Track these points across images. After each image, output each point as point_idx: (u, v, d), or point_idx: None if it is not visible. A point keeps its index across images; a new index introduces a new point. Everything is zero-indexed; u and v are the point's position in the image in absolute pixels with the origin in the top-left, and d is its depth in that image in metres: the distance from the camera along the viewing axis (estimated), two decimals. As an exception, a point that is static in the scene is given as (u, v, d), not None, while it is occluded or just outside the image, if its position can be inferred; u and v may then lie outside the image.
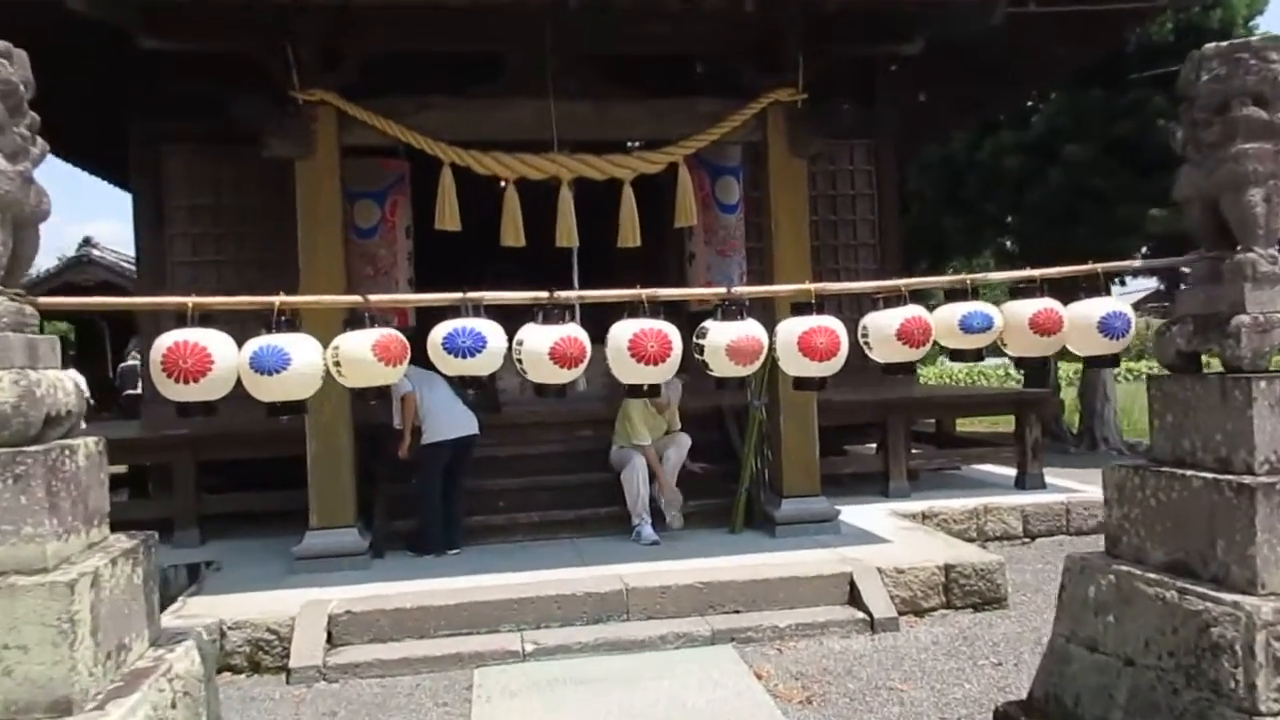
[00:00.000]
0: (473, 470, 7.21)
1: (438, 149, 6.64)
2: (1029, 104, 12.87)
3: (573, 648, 5.36)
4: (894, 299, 3.62)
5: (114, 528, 7.70)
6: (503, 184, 6.78)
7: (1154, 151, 11.50)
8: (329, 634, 5.42)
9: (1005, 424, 14.72)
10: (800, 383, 3.69)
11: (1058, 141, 12.03)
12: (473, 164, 6.67)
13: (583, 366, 3.43)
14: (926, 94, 9.18)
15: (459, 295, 3.39)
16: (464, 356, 3.32)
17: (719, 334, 3.48)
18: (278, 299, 3.30)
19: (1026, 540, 7.86)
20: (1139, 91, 11.52)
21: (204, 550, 7.29)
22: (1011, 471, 9.31)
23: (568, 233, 6.84)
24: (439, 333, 3.36)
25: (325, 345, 3.34)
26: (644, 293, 3.44)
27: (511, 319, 3.47)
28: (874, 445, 10.44)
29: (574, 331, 3.37)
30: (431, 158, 6.65)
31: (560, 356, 3.34)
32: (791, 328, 3.55)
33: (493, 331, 3.36)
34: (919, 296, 3.72)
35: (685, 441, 7.26)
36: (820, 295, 3.58)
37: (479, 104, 6.80)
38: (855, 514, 7.40)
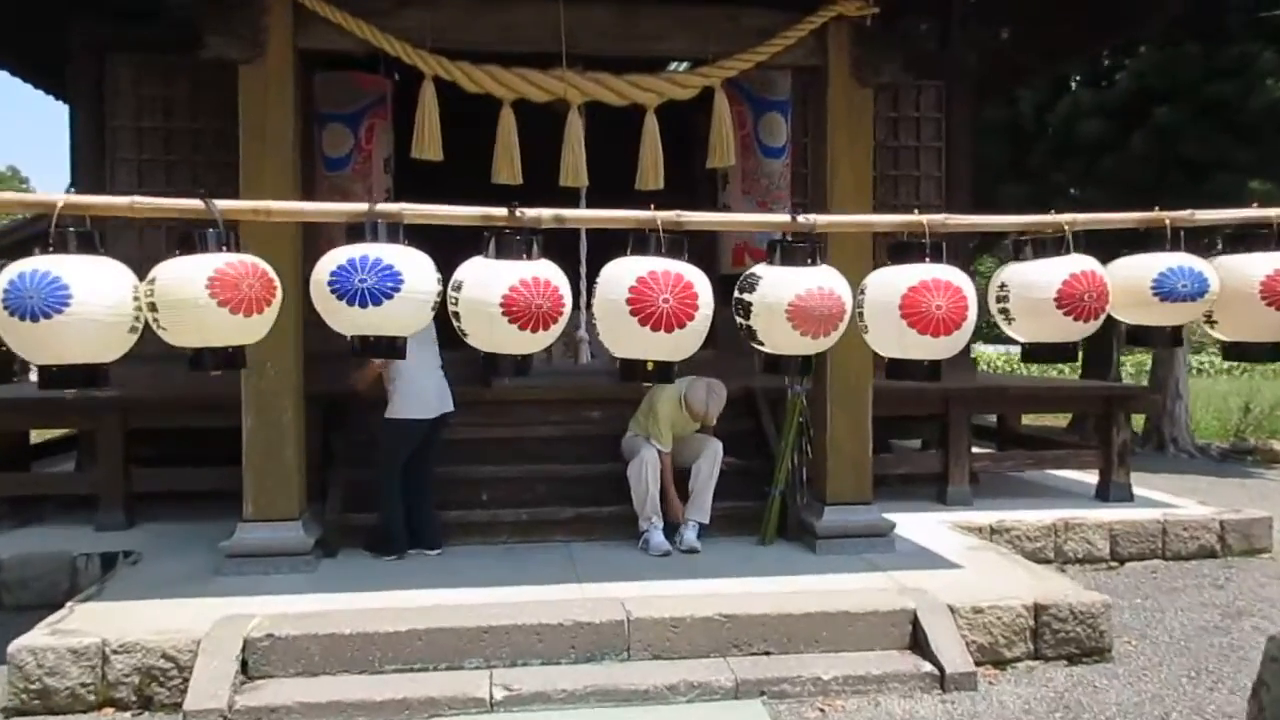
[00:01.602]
0: (447, 455, 5.98)
1: (417, 58, 5.35)
2: (1107, 63, 11.39)
3: (554, 696, 4.13)
4: (1048, 244, 2.31)
5: (26, 502, 6.54)
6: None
7: (1258, 115, 10.09)
8: (244, 663, 4.21)
9: (1060, 421, 13.43)
10: (900, 369, 2.40)
11: (1145, 103, 10.59)
12: (460, 78, 5.38)
13: (555, 329, 2.15)
14: (1010, 33, 7.78)
15: (361, 206, 2.12)
16: (364, 304, 2.05)
17: (777, 286, 2.21)
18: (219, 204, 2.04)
19: (1114, 565, 6.55)
20: (1244, 46, 10.05)
21: (128, 536, 6.10)
22: (1084, 477, 8.01)
23: (574, 170, 5.54)
24: (326, 266, 2.09)
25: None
26: (660, 215, 2.16)
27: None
28: (919, 441, 9.14)
29: (542, 272, 2.10)
30: (420, 74, 5.37)
31: (518, 310, 2.07)
32: (890, 282, 2.27)
33: (412, 265, 2.08)
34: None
35: (717, 449, 5.96)
36: (937, 233, 2.28)
37: (471, 3, 5.49)
38: (909, 526, 6.12)
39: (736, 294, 2.27)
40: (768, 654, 4.50)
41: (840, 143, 5.65)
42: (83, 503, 6.51)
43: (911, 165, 7.99)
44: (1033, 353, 2.40)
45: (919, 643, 4.57)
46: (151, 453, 6.70)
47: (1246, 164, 10.24)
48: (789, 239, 2.24)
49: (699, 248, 7.53)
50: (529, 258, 2.09)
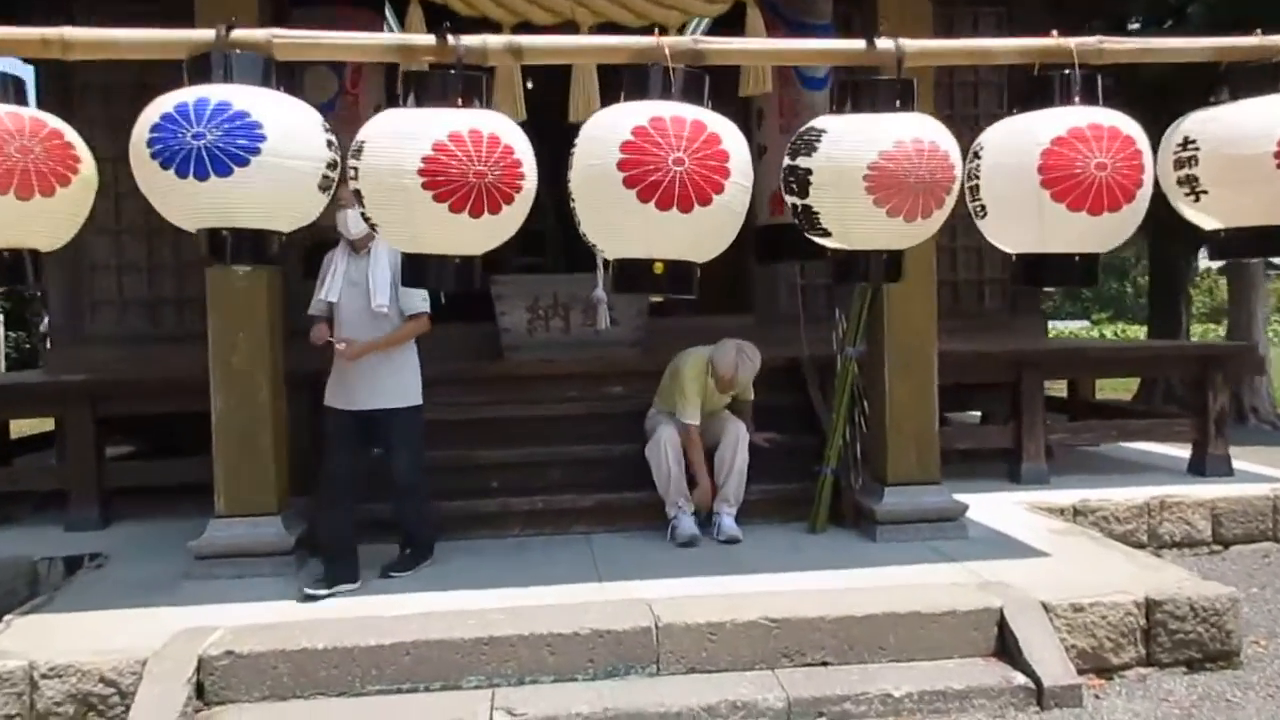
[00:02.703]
0: (451, 437, 5.27)
1: (403, -22, 4.63)
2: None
3: (568, 722, 3.41)
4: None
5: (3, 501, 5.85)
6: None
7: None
8: (198, 687, 3.54)
9: (1126, 392, 12.49)
10: (1036, 269, 1.62)
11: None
12: (453, 1, 4.66)
13: (512, 213, 1.40)
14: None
15: (206, 33, 1.38)
16: (201, 172, 1.31)
17: (851, 142, 1.47)
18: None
19: (1218, 549, 5.70)
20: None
21: (101, 537, 5.46)
22: (1170, 450, 7.14)
23: (586, 104, 4.78)
24: (147, 119, 1.35)
25: None
26: (668, 42, 1.41)
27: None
28: (978, 414, 8.30)
29: (486, 124, 1.35)
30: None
31: (447, 180, 1.32)
32: (1023, 133, 1.49)
33: (278, 115, 1.34)
34: None
35: (739, 433, 5.15)
36: (1090, 64, 1.50)
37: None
38: (979, 508, 5.31)
39: (788, 161, 1.55)
40: (825, 664, 3.75)
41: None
42: (60, 500, 5.89)
43: (969, 106, 7.13)
44: (1229, 243, 1.61)
45: (1007, 649, 3.79)
46: (133, 444, 6.07)
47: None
48: (864, 76, 1.48)
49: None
50: (467, 105, 1.35)
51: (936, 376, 4.91)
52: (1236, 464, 6.70)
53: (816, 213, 1.54)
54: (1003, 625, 3.82)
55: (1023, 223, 1.48)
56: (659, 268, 1.51)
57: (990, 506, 5.48)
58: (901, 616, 3.83)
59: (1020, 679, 3.64)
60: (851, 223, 1.51)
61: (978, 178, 1.57)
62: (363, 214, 1.43)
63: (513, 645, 3.67)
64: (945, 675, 3.67)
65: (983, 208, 1.55)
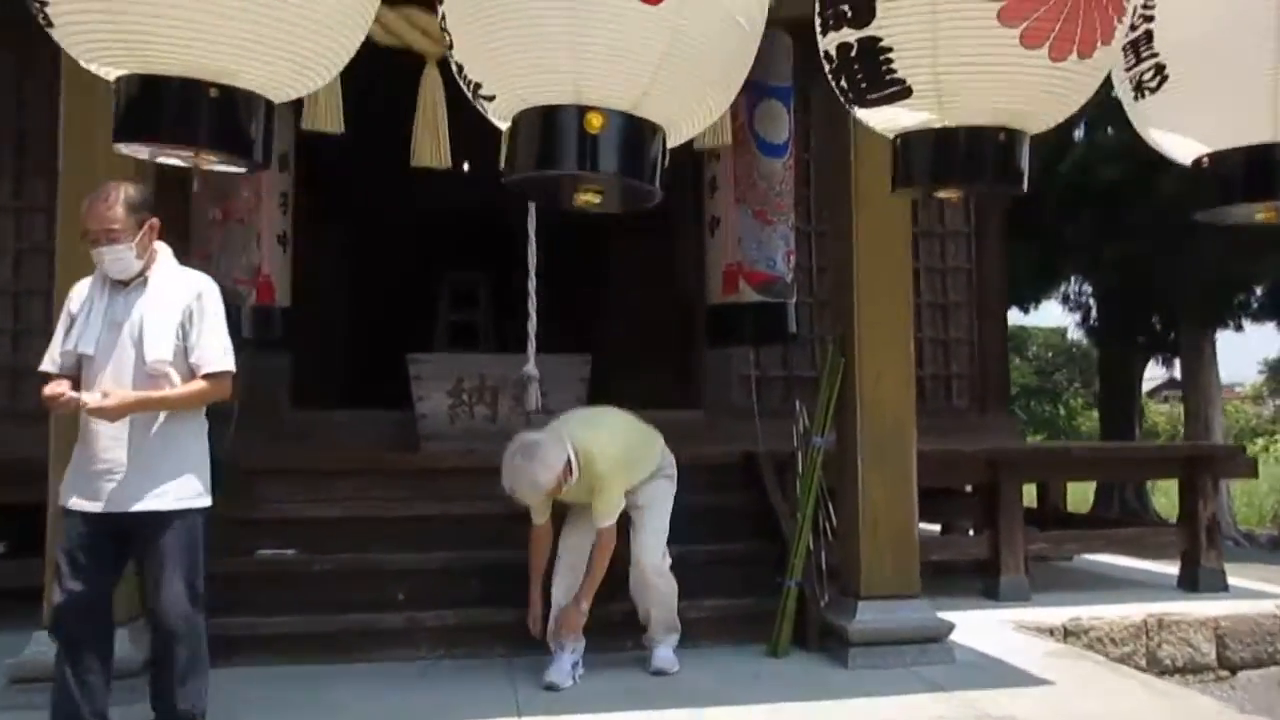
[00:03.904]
0: (352, 539, 4.48)
1: None
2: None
3: None
4: None
5: None
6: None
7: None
8: None
9: (1085, 498, 12.05)
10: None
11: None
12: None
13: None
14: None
15: None
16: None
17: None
18: None
19: (1224, 674, 5.05)
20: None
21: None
22: (1150, 566, 6.59)
23: (432, 144, 4.21)
24: None
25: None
26: None
27: None
28: (938, 527, 7.67)
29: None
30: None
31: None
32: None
33: None
34: None
35: (601, 537, 3.95)
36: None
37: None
38: (960, 628, 4.61)
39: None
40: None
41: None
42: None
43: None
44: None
45: (1023, 805, 3.06)
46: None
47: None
48: None
49: (680, 271, 6.09)
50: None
51: (915, 470, 4.27)
52: (1234, 580, 6.13)
53: (886, 49, 0.91)
54: (1016, 776, 3.10)
55: (1241, 99, 0.89)
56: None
57: (971, 626, 4.78)
58: (891, 766, 3.09)
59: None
60: (953, 64, 0.88)
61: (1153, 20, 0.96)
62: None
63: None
64: (950, 841, 2.93)
65: (1159, 72, 0.95)
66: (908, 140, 1.24)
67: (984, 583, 5.66)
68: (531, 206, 4.43)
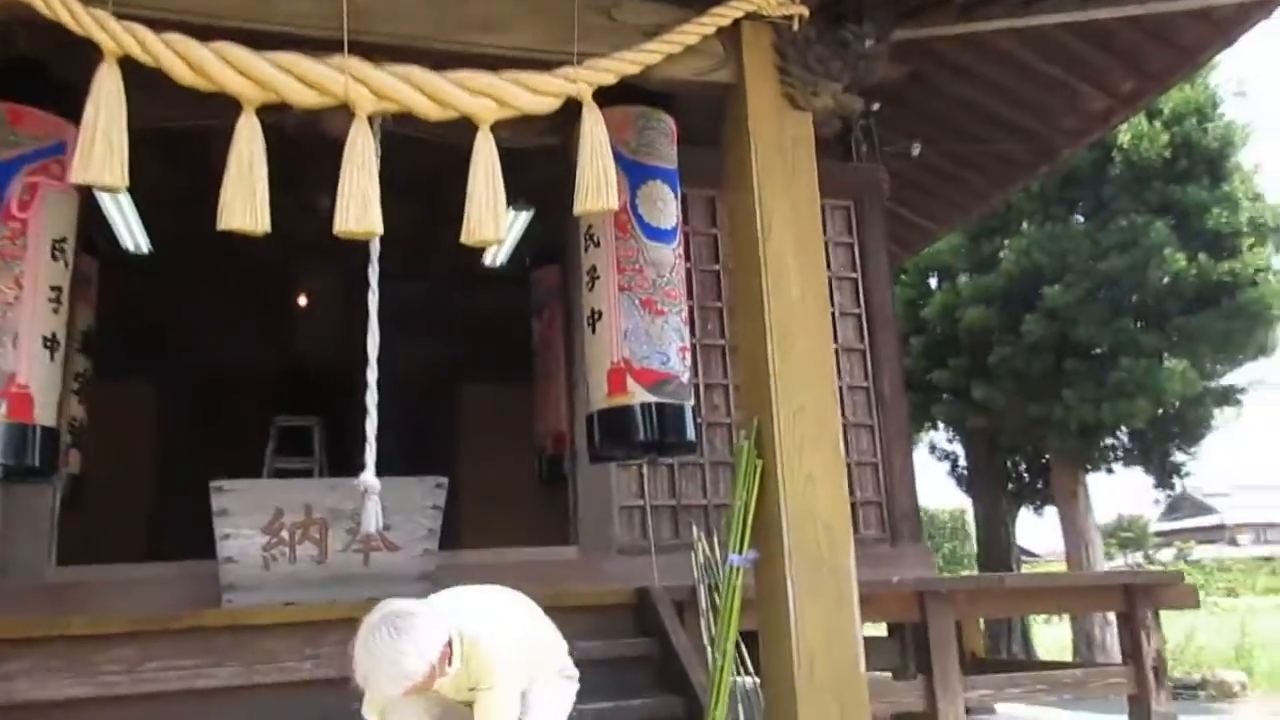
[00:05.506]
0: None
1: (92, 24, 3.23)
2: (985, 246, 10.45)
3: None
4: None
5: None
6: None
7: (1160, 291, 9.21)
8: None
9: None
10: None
11: (1034, 285, 9.57)
12: (168, 60, 3.27)
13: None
14: (923, 149, 6.45)
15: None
16: None
17: None
18: None
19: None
20: (1132, 219, 9.27)
21: None
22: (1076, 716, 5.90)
23: (362, 211, 3.38)
24: None
25: None
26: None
27: None
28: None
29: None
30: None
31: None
32: None
33: None
34: None
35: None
36: None
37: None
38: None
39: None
40: None
41: (773, 186, 3.80)
42: None
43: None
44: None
45: None
46: None
47: (1153, 346, 9.15)
48: None
49: (566, 369, 5.20)
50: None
51: (857, 591, 3.46)
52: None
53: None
54: None
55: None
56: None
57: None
58: None
59: None
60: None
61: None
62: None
63: None
64: None
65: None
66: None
67: (917, 739, 4.79)
68: (373, 268, 3.63)
